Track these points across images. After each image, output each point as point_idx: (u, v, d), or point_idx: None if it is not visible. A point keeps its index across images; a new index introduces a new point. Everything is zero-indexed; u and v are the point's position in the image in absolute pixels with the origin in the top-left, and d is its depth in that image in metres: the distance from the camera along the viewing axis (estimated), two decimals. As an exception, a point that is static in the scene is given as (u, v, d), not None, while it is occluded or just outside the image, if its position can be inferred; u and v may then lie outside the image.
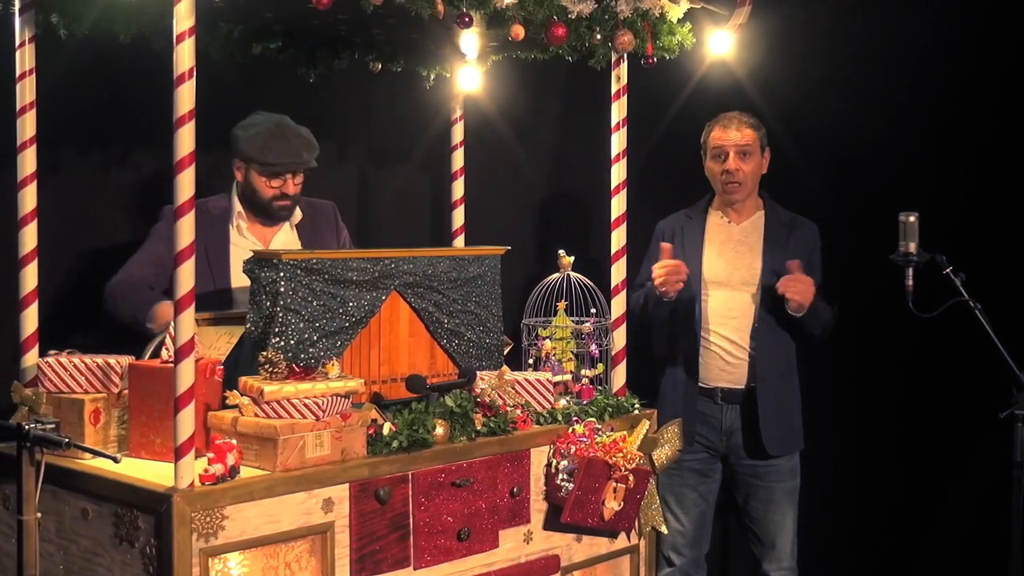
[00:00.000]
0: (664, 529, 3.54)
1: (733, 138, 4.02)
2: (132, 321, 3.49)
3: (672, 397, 4.08)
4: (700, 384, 4.08)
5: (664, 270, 3.88)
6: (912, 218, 3.47)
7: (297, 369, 2.84)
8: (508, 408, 3.18)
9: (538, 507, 3.21)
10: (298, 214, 3.80)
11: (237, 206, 3.74)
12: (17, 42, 3.06)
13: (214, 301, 3.56)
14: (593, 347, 3.54)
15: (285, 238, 3.80)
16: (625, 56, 3.45)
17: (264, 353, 2.85)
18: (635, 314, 3.94)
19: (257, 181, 3.66)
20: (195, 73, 2.57)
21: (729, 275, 4.06)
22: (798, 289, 3.87)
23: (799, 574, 4.18)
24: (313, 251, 3.36)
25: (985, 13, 4.32)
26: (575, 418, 3.29)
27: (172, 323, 2.62)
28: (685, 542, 4.15)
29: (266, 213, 3.74)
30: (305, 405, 2.76)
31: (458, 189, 4.05)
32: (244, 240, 3.73)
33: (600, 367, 3.56)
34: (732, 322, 4.04)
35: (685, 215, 4.20)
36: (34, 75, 3.06)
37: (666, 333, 4.13)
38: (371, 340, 3.21)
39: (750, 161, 4.04)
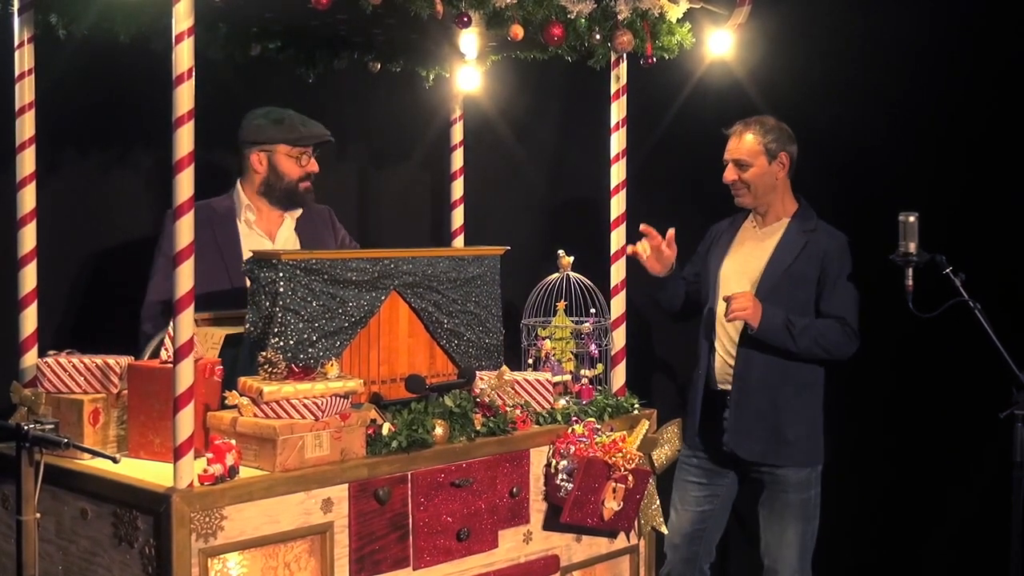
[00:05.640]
0: (664, 529, 3.54)
1: (730, 149, 4.04)
2: None
3: (690, 397, 4.09)
4: (708, 387, 4.05)
5: (642, 246, 3.95)
6: (912, 218, 3.47)
7: (296, 369, 2.84)
8: (507, 408, 3.18)
9: (537, 507, 3.20)
10: (298, 209, 3.84)
11: (245, 200, 3.76)
12: (16, 42, 3.05)
13: (232, 299, 3.54)
14: (592, 347, 3.53)
15: (287, 234, 3.81)
16: (624, 56, 3.45)
17: (263, 353, 2.85)
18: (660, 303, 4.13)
19: (286, 164, 3.74)
20: (194, 73, 2.58)
21: (739, 274, 4.05)
22: (737, 307, 3.84)
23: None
24: (313, 251, 3.36)
25: (985, 13, 4.31)
26: (574, 418, 3.29)
27: (172, 323, 2.63)
28: (680, 539, 4.13)
29: (290, 199, 3.78)
30: (304, 405, 2.76)
31: (457, 189, 4.05)
32: (253, 234, 3.75)
33: (599, 367, 3.56)
34: (734, 322, 4.02)
35: (730, 220, 4.22)
36: (33, 75, 3.06)
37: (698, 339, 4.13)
38: (371, 340, 3.20)
39: (748, 171, 4.02)
